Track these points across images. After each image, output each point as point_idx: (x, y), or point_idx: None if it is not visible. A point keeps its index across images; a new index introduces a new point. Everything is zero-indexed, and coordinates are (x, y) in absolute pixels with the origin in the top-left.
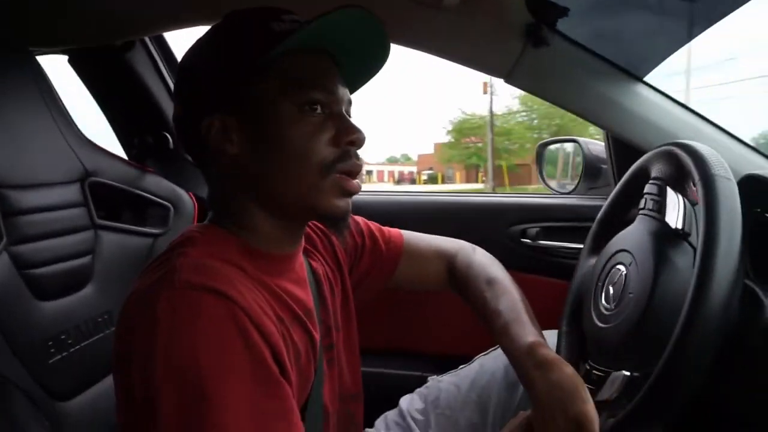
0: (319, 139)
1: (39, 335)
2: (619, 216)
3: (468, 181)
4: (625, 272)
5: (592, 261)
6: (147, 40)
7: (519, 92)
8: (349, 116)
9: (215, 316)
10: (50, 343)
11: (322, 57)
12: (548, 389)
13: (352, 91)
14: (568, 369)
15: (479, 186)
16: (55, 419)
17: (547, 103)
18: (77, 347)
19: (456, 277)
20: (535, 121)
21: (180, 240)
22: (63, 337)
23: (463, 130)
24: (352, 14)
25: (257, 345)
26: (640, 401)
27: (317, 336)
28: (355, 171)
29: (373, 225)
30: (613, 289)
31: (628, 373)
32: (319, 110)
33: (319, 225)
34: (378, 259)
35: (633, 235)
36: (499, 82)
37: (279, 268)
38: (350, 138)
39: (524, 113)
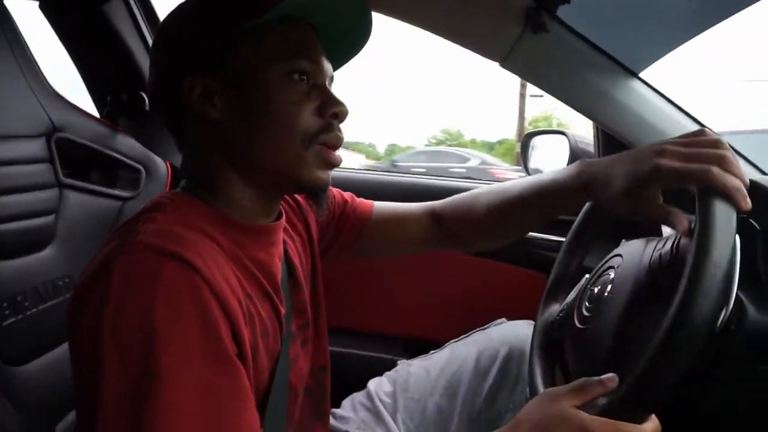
0: (305, 109)
1: None
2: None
3: None
4: (612, 275)
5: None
6: None
7: None
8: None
9: (172, 282)
10: (5, 304)
11: (308, 28)
12: None
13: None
14: None
15: None
16: (7, 385)
17: None
18: (34, 310)
19: (446, 215)
20: None
21: (149, 206)
22: (19, 299)
23: None
24: None
25: (214, 319)
26: (620, 398)
27: (283, 312)
28: (337, 144)
29: (347, 194)
30: (597, 291)
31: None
32: (305, 80)
33: (291, 196)
34: (346, 221)
35: (633, 246)
36: None
37: (253, 240)
38: (334, 110)
39: None
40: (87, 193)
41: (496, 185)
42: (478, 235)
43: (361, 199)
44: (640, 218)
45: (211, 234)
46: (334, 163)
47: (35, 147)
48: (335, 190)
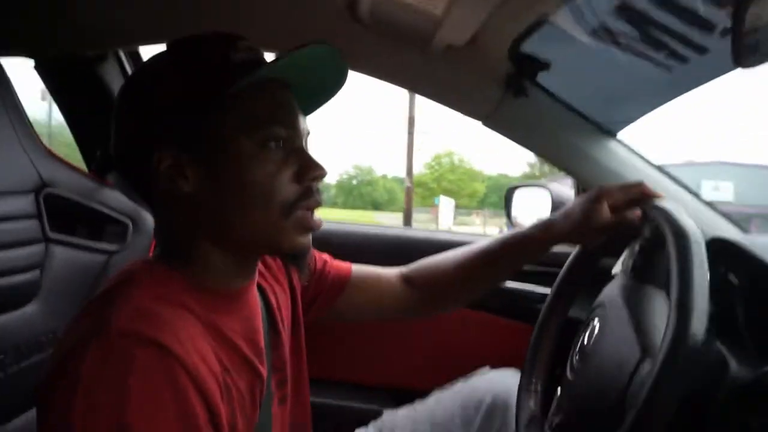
0: (282, 177)
1: None
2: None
3: None
4: (598, 325)
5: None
6: (120, 52)
7: None
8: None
9: (147, 373)
10: None
11: (281, 88)
12: None
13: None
14: None
15: None
16: None
17: None
18: (14, 368)
19: (417, 278)
20: None
21: (122, 278)
22: (1, 357)
23: None
24: (321, 51)
25: (192, 407)
26: None
27: (265, 376)
28: (316, 207)
29: (324, 254)
30: (586, 341)
31: None
32: (280, 146)
33: None
34: (324, 284)
35: (609, 289)
36: None
37: (230, 306)
38: (314, 174)
39: None
40: (73, 247)
41: (460, 248)
42: (449, 294)
43: (338, 261)
44: (604, 234)
45: (188, 304)
46: (315, 228)
47: (24, 203)
48: (314, 251)
